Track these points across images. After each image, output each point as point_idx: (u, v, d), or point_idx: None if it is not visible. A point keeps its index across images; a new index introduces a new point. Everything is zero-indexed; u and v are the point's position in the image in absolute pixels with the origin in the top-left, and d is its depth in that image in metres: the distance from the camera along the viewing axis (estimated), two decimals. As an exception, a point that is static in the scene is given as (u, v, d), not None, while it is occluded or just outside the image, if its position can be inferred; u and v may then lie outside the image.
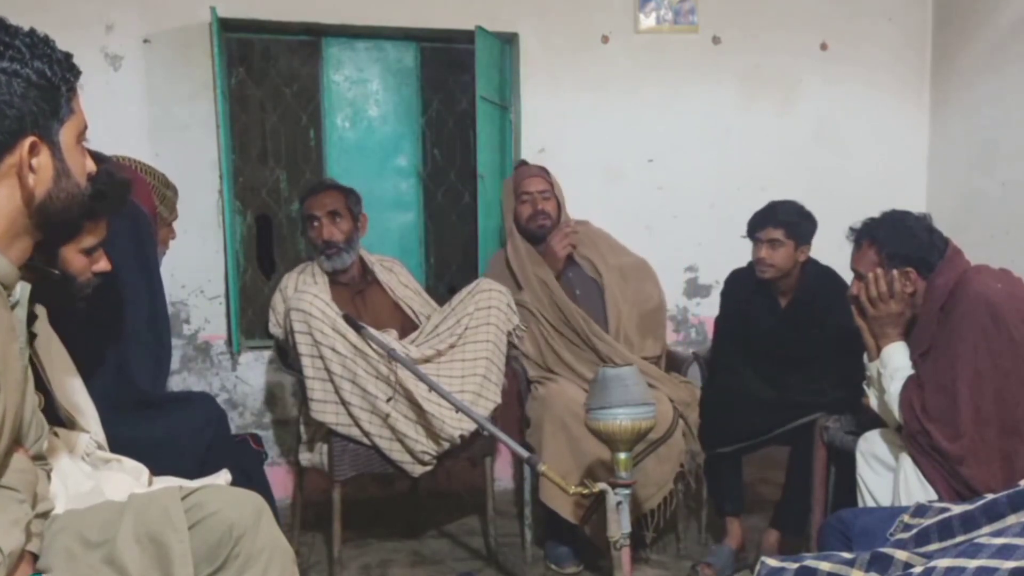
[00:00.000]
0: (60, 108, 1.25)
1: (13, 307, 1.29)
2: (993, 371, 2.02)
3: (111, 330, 2.03)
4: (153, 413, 2.06)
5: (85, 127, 1.32)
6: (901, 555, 1.41)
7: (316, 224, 2.97)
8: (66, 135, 1.27)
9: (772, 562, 1.51)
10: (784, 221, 2.78)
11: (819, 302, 2.81)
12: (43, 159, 1.23)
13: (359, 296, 3.04)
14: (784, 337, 2.83)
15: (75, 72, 1.28)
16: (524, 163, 3.34)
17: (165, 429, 2.03)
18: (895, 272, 2.19)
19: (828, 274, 2.89)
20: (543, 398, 2.85)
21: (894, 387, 2.17)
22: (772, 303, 2.91)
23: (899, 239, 2.20)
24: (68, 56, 1.27)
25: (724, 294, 3.07)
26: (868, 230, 2.26)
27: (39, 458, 1.37)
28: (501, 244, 3.35)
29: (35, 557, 1.25)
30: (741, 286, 3.00)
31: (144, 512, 1.30)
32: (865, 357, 2.35)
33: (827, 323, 2.75)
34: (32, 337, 1.58)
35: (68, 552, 1.26)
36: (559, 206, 3.19)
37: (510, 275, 3.10)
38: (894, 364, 2.20)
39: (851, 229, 2.32)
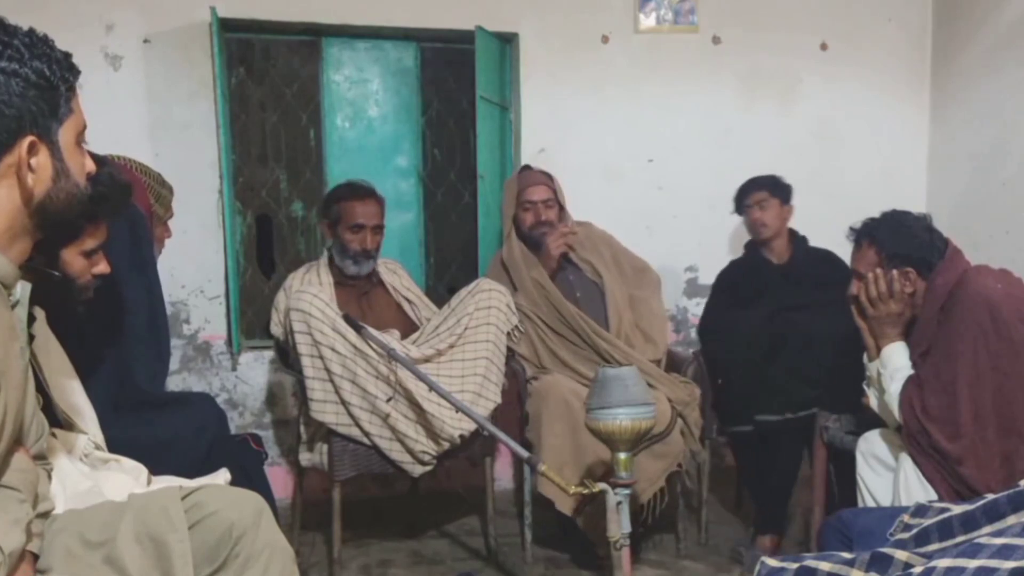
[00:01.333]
0: (59, 108, 1.24)
1: (13, 307, 1.29)
2: (992, 371, 2.02)
3: (110, 331, 2.04)
4: (153, 413, 2.07)
5: (84, 127, 1.31)
6: (901, 555, 1.40)
7: (358, 232, 2.94)
8: (65, 135, 1.26)
9: (772, 562, 1.51)
10: (764, 183, 3.15)
11: (812, 264, 3.11)
12: (42, 159, 1.23)
13: (364, 297, 3.04)
14: (783, 287, 3.02)
15: (74, 72, 1.28)
16: (527, 168, 3.29)
17: (165, 429, 2.03)
18: (895, 272, 2.19)
19: (819, 249, 3.18)
20: (538, 391, 2.85)
21: (894, 387, 2.17)
22: (768, 264, 3.16)
23: (899, 239, 2.20)
24: (67, 56, 1.27)
25: (720, 276, 3.27)
26: (868, 230, 2.26)
27: (40, 458, 1.37)
28: (501, 244, 3.34)
29: (36, 557, 1.25)
30: (735, 267, 3.26)
31: (144, 512, 1.30)
32: (865, 357, 2.35)
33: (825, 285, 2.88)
34: (30, 339, 1.58)
35: (68, 552, 1.26)
36: (561, 211, 3.17)
37: (507, 277, 3.10)
38: (894, 364, 2.20)
39: (851, 229, 2.33)
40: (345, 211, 2.95)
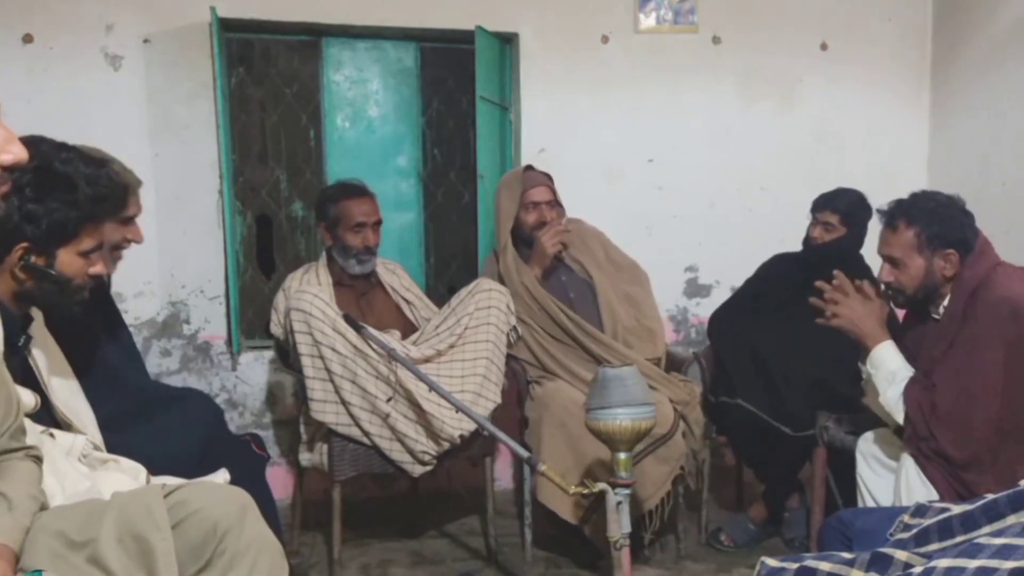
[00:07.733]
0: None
1: None
2: (1015, 380, 1.98)
3: (107, 329, 2.03)
4: (150, 412, 2.06)
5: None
6: (901, 555, 1.40)
7: (360, 230, 2.95)
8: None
9: (772, 562, 1.50)
10: (839, 207, 2.97)
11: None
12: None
13: (363, 297, 3.04)
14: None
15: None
16: (530, 168, 3.21)
17: (162, 428, 2.03)
18: (936, 256, 2.08)
19: None
20: (540, 398, 2.84)
21: (892, 392, 2.14)
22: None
23: (939, 220, 2.07)
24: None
25: (765, 265, 3.17)
26: (903, 210, 2.11)
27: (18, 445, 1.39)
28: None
29: (17, 558, 1.25)
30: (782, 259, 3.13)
31: (126, 511, 1.29)
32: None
33: None
34: (28, 340, 1.58)
35: (52, 552, 1.25)
36: (560, 210, 3.15)
37: (501, 283, 3.08)
38: (888, 367, 2.16)
39: (879, 212, 2.21)
40: (343, 212, 2.95)
